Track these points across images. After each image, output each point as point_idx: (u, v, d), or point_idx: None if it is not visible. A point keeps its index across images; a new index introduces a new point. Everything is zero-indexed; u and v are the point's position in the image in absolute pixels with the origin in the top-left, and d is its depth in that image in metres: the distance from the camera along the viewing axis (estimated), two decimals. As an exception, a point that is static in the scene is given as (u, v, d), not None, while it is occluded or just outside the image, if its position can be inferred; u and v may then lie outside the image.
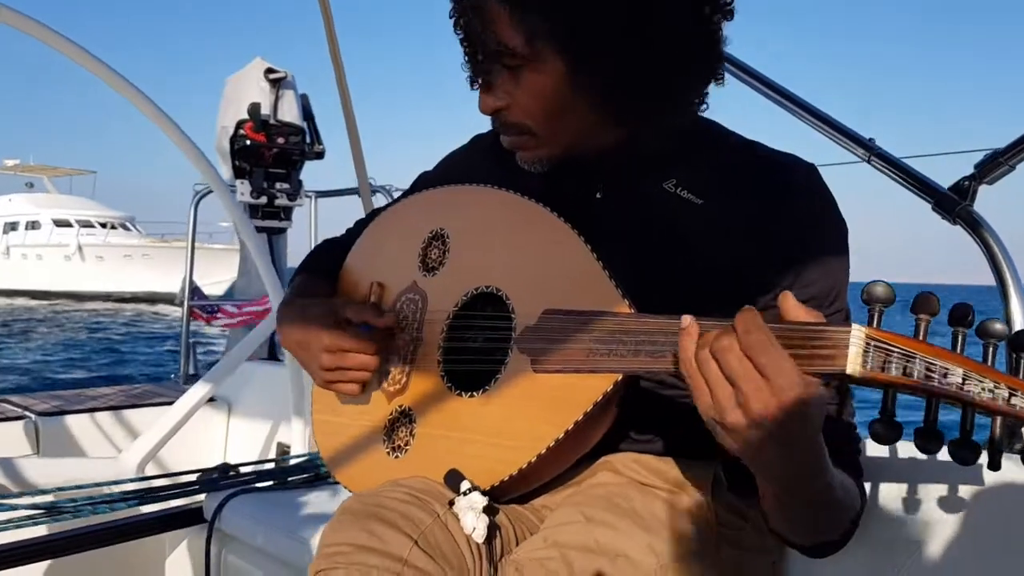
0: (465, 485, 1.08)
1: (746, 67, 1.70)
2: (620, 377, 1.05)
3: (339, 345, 1.25)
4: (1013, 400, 0.79)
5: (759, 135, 1.23)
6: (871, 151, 1.53)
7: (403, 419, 1.24)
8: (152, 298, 30.81)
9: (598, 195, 1.21)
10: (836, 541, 1.07)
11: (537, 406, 1.09)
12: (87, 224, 34.04)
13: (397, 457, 1.22)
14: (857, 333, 0.81)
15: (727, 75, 1.17)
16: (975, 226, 1.38)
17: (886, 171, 1.50)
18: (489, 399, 1.15)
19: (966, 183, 1.40)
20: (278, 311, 1.37)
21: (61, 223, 33.95)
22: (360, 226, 1.46)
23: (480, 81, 1.15)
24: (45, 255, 33.46)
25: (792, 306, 0.87)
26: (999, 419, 0.80)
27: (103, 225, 34.31)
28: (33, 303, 31.14)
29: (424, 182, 1.42)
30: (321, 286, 1.40)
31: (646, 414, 1.17)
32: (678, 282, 1.12)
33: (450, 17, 1.14)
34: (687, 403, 1.16)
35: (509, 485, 1.11)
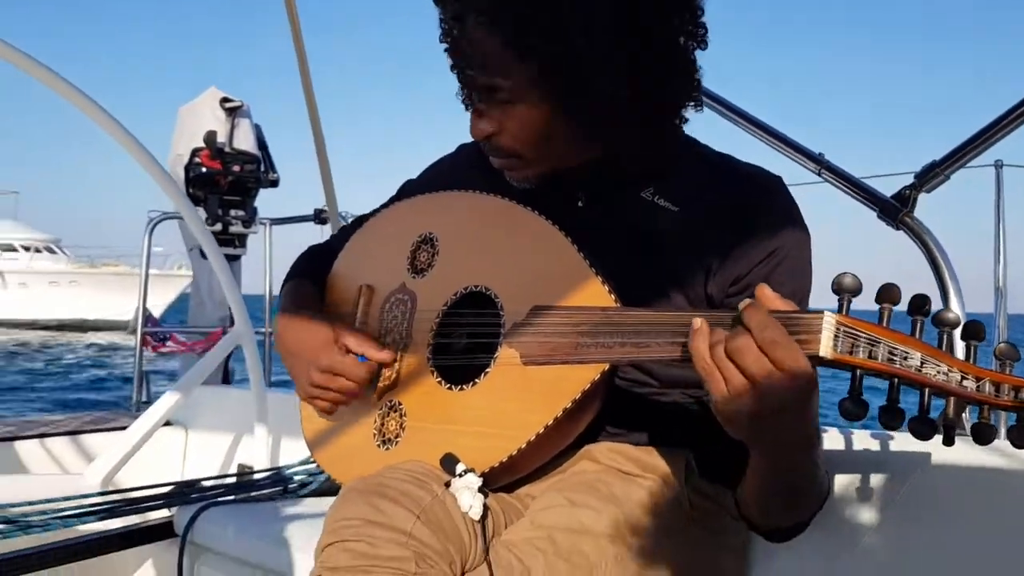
0: (461, 467, 1.14)
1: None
2: (607, 367, 1.13)
3: (333, 369, 1.29)
4: (964, 383, 0.90)
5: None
6: (821, 165, 1.66)
7: (393, 413, 1.29)
8: (81, 326, 29.73)
9: (580, 203, 1.29)
10: (805, 522, 1.18)
11: (527, 397, 1.16)
12: (9, 248, 32.58)
13: (388, 449, 1.27)
14: (829, 319, 0.91)
15: None
16: (916, 232, 1.51)
17: (835, 183, 1.63)
18: (479, 392, 1.21)
19: (907, 192, 1.53)
20: (275, 320, 1.42)
21: None
22: (346, 233, 1.52)
23: (472, 108, 1.22)
24: None
25: (769, 296, 0.96)
26: (952, 399, 0.91)
27: (27, 249, 32.85)
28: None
29: (410, 189, 1.48)
30: (312, 293, 1.45)
31: (621, 410, 1.25)
32: (656, 282, 1.21)
33: (441, 41, 1.21)
34: (659, 400, 1.26)
35: (499, 472, 1.17)
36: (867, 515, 1.35)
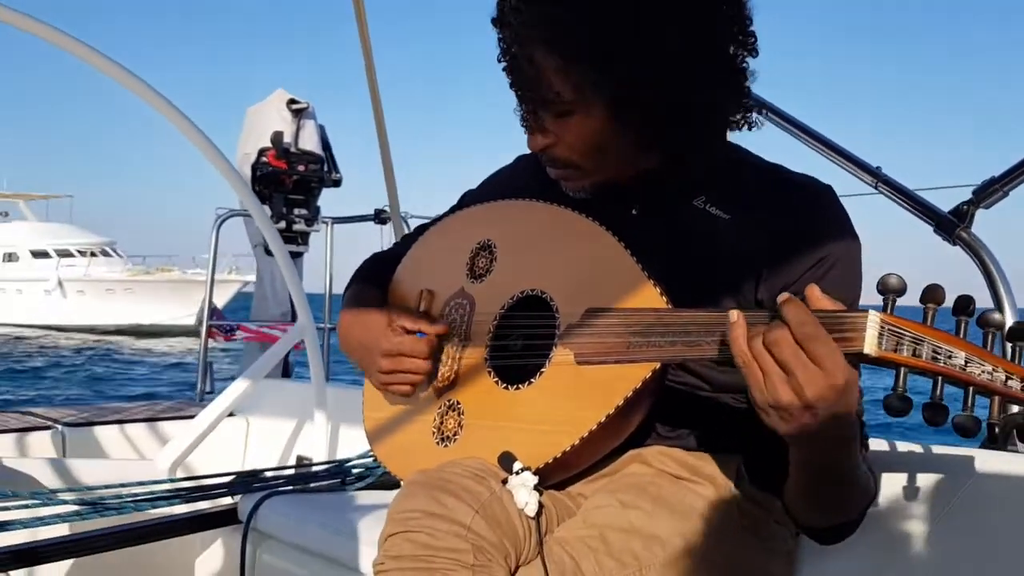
0: (517, 465, 1.18)
1: (756, 97, 1.82)
2: (658, 366, 1.16)
3: (397, 350, 1.35)
4: (1009, 383, 0.91)
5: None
6: (878, 178, 1.67)
7: (451, 411, 1.34)
8: (137, 331, 30.33)
9: (634, 212, 1.33)
10: (854, 521, 1.19)
11: (580, 394, 1.20)
12: (67, 254, 33.32)
13: (446, 446, 1.32)
14: (873, 318, 0.94)
15: None
16: (973, 247, 1.51)
17: (892, 197, 1.64)
18: (534, 390, 1.25)
19: (964, 207, 1.54)
20: (338, 321, 1.49)
21: (39, 254, 33.22)
22: (407, 240, 1.58)
23: (529, 121, 1.26)
24: (25, 289, 32.77)
25: (817, 296, 0.99)
26: (997, 399, 0.92)
27: (83, 253, 33.52)
28: (23, 332, 30.68)
29: (469, 199, 1.54)
30: (374, 295, 1.51)
31: (673, 413, 1.28)
32: (708, 289, 1.24)
33: (499, 61, 1.25)
34: (710, 403, 1.29)
35: (553, 468, 1.21)
36: (916, 524, 1.36)
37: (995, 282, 1.47)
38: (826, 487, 1.11)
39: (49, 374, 18.14)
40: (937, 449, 1.38)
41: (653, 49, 1.15)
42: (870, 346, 0.93)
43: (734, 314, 1.00)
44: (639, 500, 1.23)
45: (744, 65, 1.23)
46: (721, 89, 1.22)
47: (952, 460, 1.35)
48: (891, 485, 1.38)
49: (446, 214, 1.55)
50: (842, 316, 0.96)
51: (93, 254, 33.82)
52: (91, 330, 30.84)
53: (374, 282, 1.55)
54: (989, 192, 1.53)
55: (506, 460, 1.20)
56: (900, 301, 0.96)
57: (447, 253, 1.46)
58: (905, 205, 1.62)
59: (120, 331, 30.63)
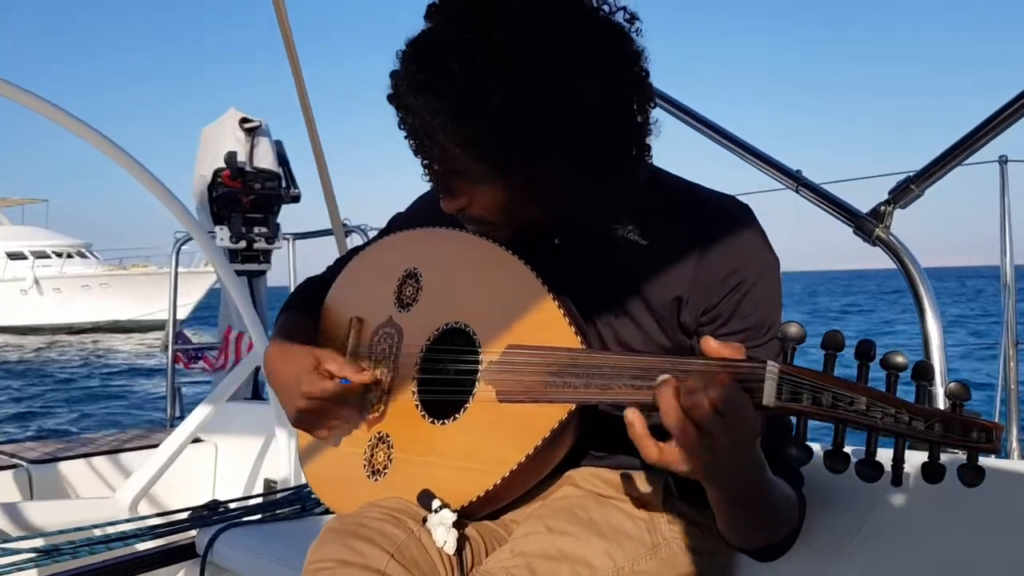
0: (436, 503, 1.19)
1: (681, 105, 1.83)
2: (574, 407, 1.17)
3: (317, 395, 1.34)
4: (914, 423, 0.91)
5: (693, 169, 1.34)
6: (798, 182, 1.67)
7: (381, 444, 1.34)
8: (114, 327, 30.10)
9: (556, 241, 1.32)
10: (780, 543, 1.20)
11: (503, 432, 1.21)
12: (42, 255, 32.97)
13: (376, 480, 1.33)
14: (772, 369, 0.93)
15: (663, 113, 1.27)
16: (891, 247, 1.51)
17: (812, 200, 1.64)
18: (458, 426, 1.26)
19: (882, 207, 1.54)
20: (265, 351, 1.47)
21: (15, 256, 32.78)
22: (339, 264, 1.57)
23: (440, 188, 1.24)
24: (1, 290, 32.23)
25: (714, 347, 0.99)
26: (901, 440, 0.92)
27: (59, 255, 33.12)
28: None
29: (398, 223, 1.52)
30: (305, 324, 1.50)
31: (604, 434, 1.28)
32: (630, 315, 1.25)
33: (400, 128, 1.20)
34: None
35: (478, 505, 1.22)
36: (848, 537, 1.37)
37: (915, 282, 1.47)
38: (741, 511, 1.12)
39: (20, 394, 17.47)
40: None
41: (546, 125, 1.11)
42: (768, 398, 0.93)
43: (630, 413, 1.00)
44: (567, 525, 1.23)
45: (643, 115, 1.19)
46: (621, 143, 1.18)
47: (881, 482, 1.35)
48: (825, 503, 1.38)
49: (376, 238, 1.54)
50: (740, 366, 0.95)
51: (69, 255, 33.47)
52: (68, 329, 30.60)
53: (306, 309, 1.53)
54: (904, 192, 1.54)
55: (425, 498, 1.20)
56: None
57: (376, 280, 1.46)
58: (824, 207, 1.62)
59: (97, 328, 30.40)
